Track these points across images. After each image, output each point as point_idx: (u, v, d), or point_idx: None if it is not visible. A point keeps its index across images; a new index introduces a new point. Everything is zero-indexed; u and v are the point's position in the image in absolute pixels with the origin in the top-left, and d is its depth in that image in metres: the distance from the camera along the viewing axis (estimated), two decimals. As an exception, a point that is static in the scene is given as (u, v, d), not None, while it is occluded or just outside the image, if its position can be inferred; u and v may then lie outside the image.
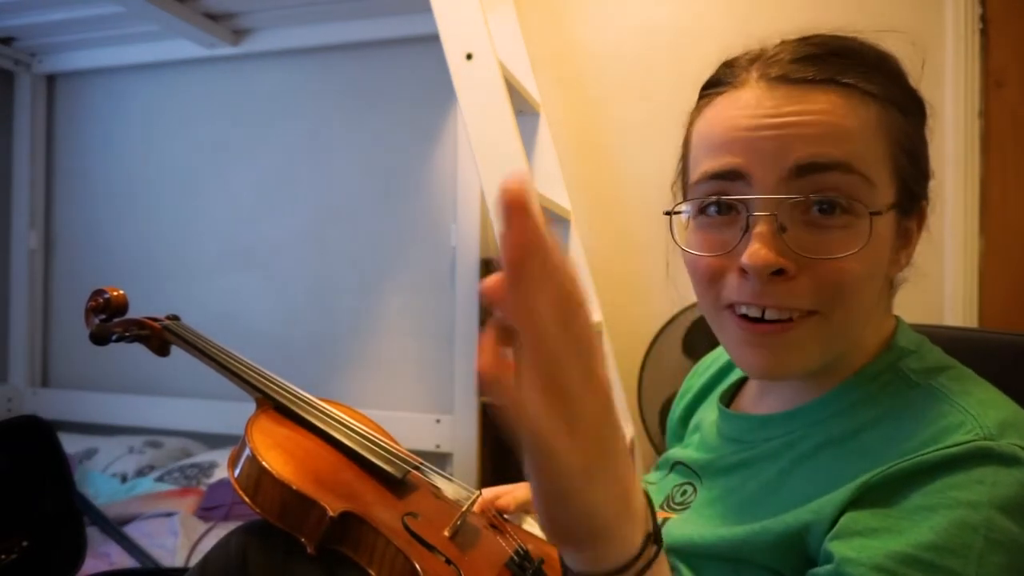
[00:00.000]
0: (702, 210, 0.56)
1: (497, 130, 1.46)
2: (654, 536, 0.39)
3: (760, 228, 0.51)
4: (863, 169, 0.51)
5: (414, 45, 2.33)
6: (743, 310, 0.54)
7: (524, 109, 1.93)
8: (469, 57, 1.47)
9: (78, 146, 2.80)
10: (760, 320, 0.53)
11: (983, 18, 1.84)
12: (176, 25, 2.26)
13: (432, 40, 1.58)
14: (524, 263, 0.33)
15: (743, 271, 0.52)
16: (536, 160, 2.02)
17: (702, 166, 0.56)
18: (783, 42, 0.57)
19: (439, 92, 2.28)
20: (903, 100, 0.55)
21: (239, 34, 2.47)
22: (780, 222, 0.51)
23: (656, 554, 0.39)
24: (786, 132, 0.51)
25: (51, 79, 2.83)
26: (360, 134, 2.44)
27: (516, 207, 0.31)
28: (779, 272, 0.51)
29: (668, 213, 0.59)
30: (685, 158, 0.61)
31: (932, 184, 0.60)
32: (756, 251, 0.50)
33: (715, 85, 0.58)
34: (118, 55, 2.64)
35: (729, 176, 0.53)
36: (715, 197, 0.55)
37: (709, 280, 0.56)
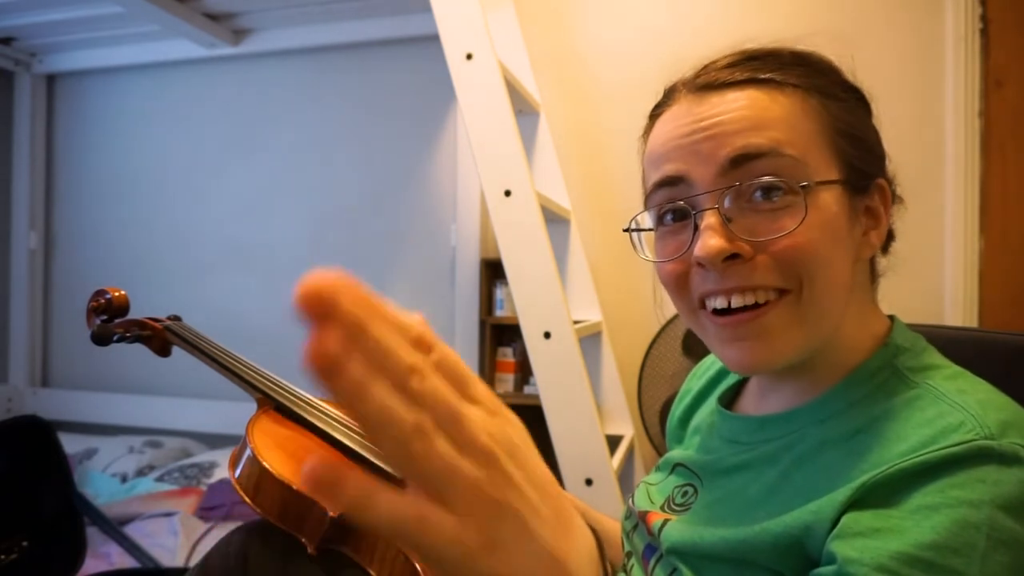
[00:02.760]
0: (661, 221, 0.60)
1: (497, 130, 1.46)
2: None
3: (707, 221, 0.54)
4: (791, 151, 0.53)
5: (414, 45, 2.33)
6: (712, 304, 0.57)
7: (524, 109, 1.93)
8: (469, 57, 1.47)
9: (78, 146, 2.80)
10: (728, 310, 0.55)
11: (983, 18, 1.84)
12: (176, 25, 2.26)
13: (432, 40, 1.58)
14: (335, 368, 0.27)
15: (702, 265, 0.55)
16: (536, 160, 2.02)
17: (650, 179, 0.60)
18: (710, 60, 0.61)
19: (439, 92, 2.28)
20: (829, 88, 0.58)
21: (239, 34, 2.47)
22: (724, 213, 0.54)
23: None
24: (715, 131, 0.55)
25: (51, 79, 2.83)
26: (360, 134, 2.44)
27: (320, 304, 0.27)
28: (734, 257, 0.54)
29: (627, 230, 0.64)
30: (643, 180, 0.64)
31: (898, 167, 0.62)
32: (704, 240, 0.54)
33: (657, 108, 0.63)
34: (118, 55, 2.64)
35: (673, 182, 0.57)
36: (666, 205, 0.59)
37: (676, 284, 0.59)
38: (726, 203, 0.54)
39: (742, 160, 0.53)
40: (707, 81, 0.57)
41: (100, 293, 0.99)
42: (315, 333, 0.27)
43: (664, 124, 0.60)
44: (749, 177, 0.53)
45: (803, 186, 0.52)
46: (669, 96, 0.61)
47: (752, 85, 0.56)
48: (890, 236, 0.63)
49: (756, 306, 0.54)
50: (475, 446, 0.30)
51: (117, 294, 0.99)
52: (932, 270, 1.85)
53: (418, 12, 2.16)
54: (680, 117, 0.58)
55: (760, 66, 0.57)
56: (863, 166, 0.57)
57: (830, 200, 0.54)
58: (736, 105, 0.55)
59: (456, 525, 0.30)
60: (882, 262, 0.63)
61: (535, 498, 0.32)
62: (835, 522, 0.47)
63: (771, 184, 0.53)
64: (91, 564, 1.50)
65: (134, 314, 1.01)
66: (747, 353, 0.56)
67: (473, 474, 0.29)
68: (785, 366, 0.57)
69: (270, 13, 2.34)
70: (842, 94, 0.58)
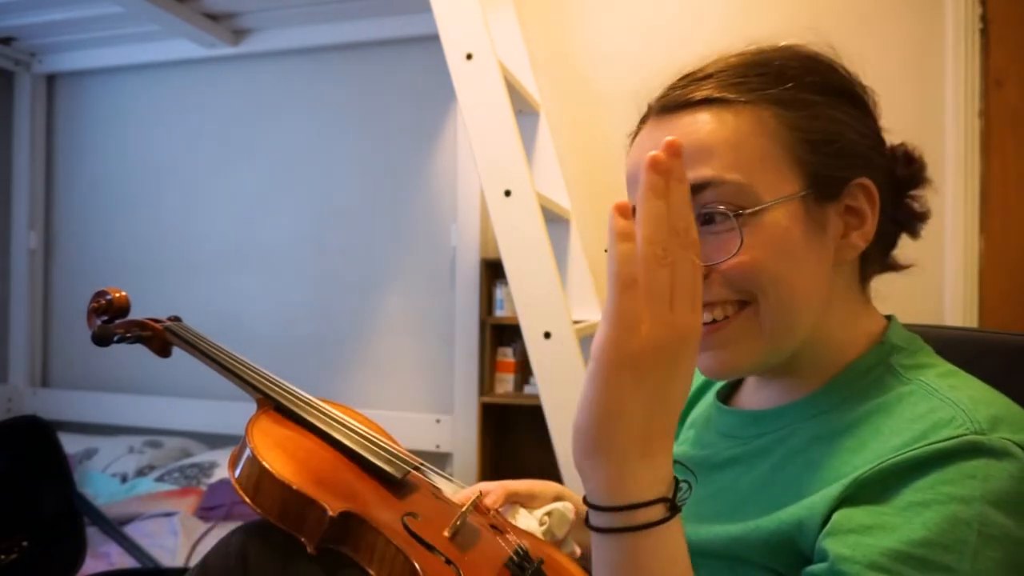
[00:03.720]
0: None
1: (497, 130, 1.47)
2: (671, 505, 0.45)
3: None
4: (734, 176, 0.54)
5: (414, 45, 2.33)
6: None
7: (524, 109, 1.93)
8: (469, 57, 1.47)
9: (78, 146, 2.80)
10: None
11: (983, 18, 1.84)
12: (176, 25, 2.26)
13: (432, 40, 1.58)
14: (663, 174, 0.44)
15: None
16: (536, 160, 2.02)
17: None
18: (675, 78, 0.62)
19: (439, 92, 2.28)
20: (792, 95, 0.57)
21: (239, 34, 2.47)
22: None
23: (667, 519, 0.44)
24: None
25: (51, 79, 2.83)
26: (360, 134, 2.44)
27: (673, 150, 0.44)
28: None
29: (608, 250, 0.65)
30: None
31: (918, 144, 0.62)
32: None
33: (637, 127, 0.65)
34: (118, 55, 2.64)
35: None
36: None
37: None
38: None
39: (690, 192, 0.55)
40: (664, 104, 0.60)
41: (101, 294, 0.99)
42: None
43: (633, 148, 0.62)
44: (696, 206, 0.55)
45: (736, 215, 0.54)
46: (644, 117, 0.63)
47: (700, 107, 0.57)
48: (922, 217, 0.63)
49: (715, 322, 0.57)
50: (691, 304, 0.43)
51: (118, 295, 0.99)
52: (932, 270, 1.85)
53: (418, 12, 2.16)
54: (642, 143, 0.61)
55: (713, 85, 0.57)
56: (833, 171, 0.57)
57: (779, 216, 0.55)
58: (685, 131, 0.56)
59: (645, 320, 0.42)
60: (898, 255, 0.63)
61: (675, 388, 0.45)
62: (827, 518, 0.48)
63: (710, 213, 0.55)
64: (91, 564, 1.50)
65: (134, 314, 1.01)
66: (712, 361, 0.58)
67: (681, 315, 0.43)
68: (753, 372, 0.58)
69: (270, 13, 2.34)
70: (810, 97, 0.57)
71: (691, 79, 0.59)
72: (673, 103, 0.59)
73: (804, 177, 0.56)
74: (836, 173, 0.57)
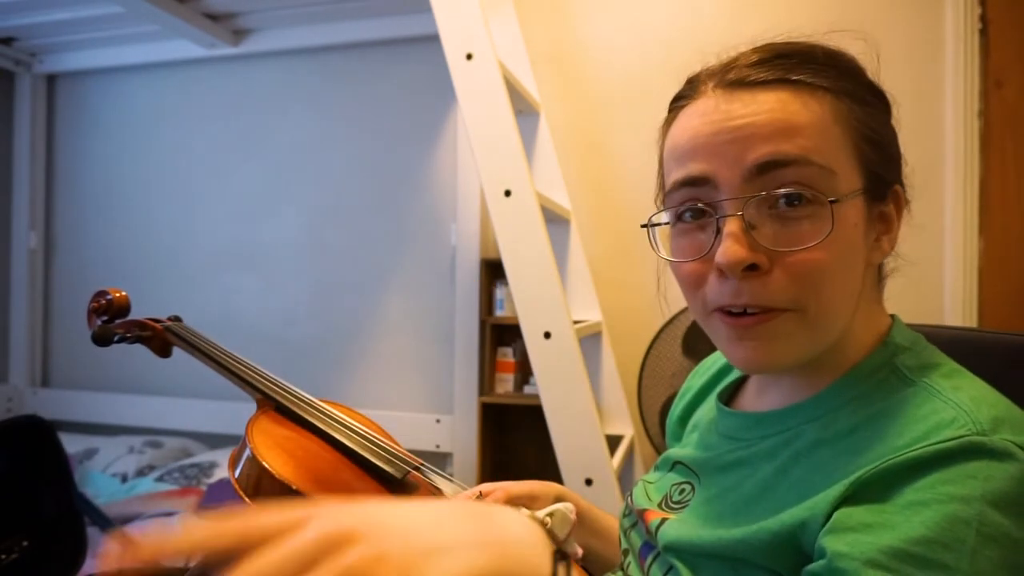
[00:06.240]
0: (679, 218, 0.59)
1: (497, 130, 1.46)
2: (560, 552, 0.40)
3: (730, 227, 0.53)
4: (820, 160, 0.52)
5: (414, 45, 2.33)
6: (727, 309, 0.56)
7: (524, 109, 1.93)
8: (469, 57, 1.47)
9: (78, 146, 2.80)
10: (742, 314, 0.55)
11: (983, 18, 1.84)
12: (176, 25, 2.26)
13: (432, 40, 1.59)
14: None
15: (720, 271, 0.54)
16: (536, 160, 2.02)
17: (673, 175, 0.58)
18: (738, 54, 0.59)
19: (439, 92, 2.28)
20: (858, 91, 0.56)
21: (239, 34, 2.47)
22: (748, 220, 0.53)
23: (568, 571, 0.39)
24: (743, 133, 0.53)
25: (51, 79, 2.83)
26: (360, 134, 2.44)
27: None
28: (753, 267, 0.53)
29: (645, 226, 0.63)
30: (661, 172, 0.63)
31: (908, 170, 0.61)
32: (727, 248, 0.52)
33: (679, 99, 0.61)
34: (118, 55, 2.65)
35: (697, 182, 0.56)
36: (688, 204, 0.57)
37: (693, 285, 0.58)
38: (750, 209, 0.53)
39: (769, 167, 0.52)
40: (738, 78, 0.55)
41: (101, 294, 1.00)
42: None
43: (689, 119, 0.57)
44: (774, 185, 0.52)
45: (832, 201, 0.51)
46: (693, 87, 0.59)
47: (783, 86, 0.54)
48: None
49: (763, 312, 0.54)
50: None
51: (118, 295, 0.99)
52: (932, 270, 1.85)
53: (418, 12, 2.16)
54: (708, 113, 0.55)
55: (791, 65, 0.55)
56: (884, 173, 0.56)
57: (852, 212, 0.53)
58: (766, 107, 0.53)
59: None
60: (889, 262, 0.63)
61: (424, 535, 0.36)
62: (828, 517, 0.48)
63: (797, 195, 0.52)
64: (91, 564, 1.50)
65: (134, 314, 1.01)
66: (752, 353, 0.55)
67: None
68: (790, 368, 0.57)
69: (270, 13, 2.34)
70: (868, 97, 0.57)
71: (759, 58, 0.56)
72: (746, 79, 0.55)
73: (865, 174, 0.55)
74: (886, 175, 0.57)
